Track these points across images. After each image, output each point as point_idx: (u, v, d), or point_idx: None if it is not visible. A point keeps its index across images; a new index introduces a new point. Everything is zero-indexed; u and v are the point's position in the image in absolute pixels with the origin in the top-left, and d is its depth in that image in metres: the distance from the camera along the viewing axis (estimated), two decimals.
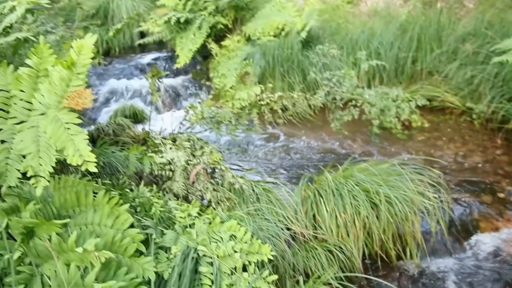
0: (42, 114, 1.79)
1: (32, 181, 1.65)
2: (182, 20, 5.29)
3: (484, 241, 2.93)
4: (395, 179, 2.80)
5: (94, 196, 1.95)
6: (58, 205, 1.89)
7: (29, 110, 1.81)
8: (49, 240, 1.65)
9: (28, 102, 1.82)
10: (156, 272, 1.85)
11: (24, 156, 1.70)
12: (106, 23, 6.78)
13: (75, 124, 1.72)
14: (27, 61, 1.85)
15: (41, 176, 1.66)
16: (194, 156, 2.79)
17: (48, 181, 1.69)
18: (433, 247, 2.88)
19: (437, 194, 2.85)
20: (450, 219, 2.97)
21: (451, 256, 2.87)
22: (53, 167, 1.69)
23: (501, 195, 3.28)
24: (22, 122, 1.80)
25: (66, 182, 2.01)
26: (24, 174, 1.69)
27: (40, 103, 1.80)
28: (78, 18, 6.01)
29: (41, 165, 1.68)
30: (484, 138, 3.98)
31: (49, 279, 1.63)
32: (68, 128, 1.72)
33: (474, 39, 4.27)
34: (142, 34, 6.47)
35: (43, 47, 1.88)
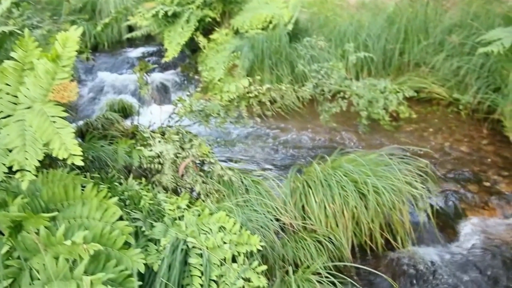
0: (28, 107, 1.79)
1: (17, 175, 1.65)
2: (170, 13, 5.27)
3: (471, 229, 2.97)
4: (383, 169, 2.82)
5: (83, 190, 1.95)
6: (46, 198, 1.89)
7: (15, 104, 1.80)
8: (38, 233, 1.65)
9: (14, 95, 1.81)
10: (145, 264, 1.86)
11: (10, 150, 1.69)
12: (94, 17, 6.72)
13: (61, 117, 1.72)
14: (12, 54, 1.84)
15: (27, 170, 1.65)
16: (183, 149, 2.79)
17: (36, 175, 1.69)
18: (421, 235, 2.91)
19: (424, 184, 2.88)
20: (437, 208, 3.01)
21: (439, 244, 2.90)
22: (41, 161, 1.69)
23: (487, 184, 3.33)
24: (8, 116, 1.79)
25: (54, 176, 2.01)
26: (10, 168, 1.68)
27: (25, 96, 1.80)
28: (64, 12, 5.93)
29: (27, 159, 1.67)
30: (470, 129, 4.03)
31: (38, 272, 1.63)
32: (54, 122, 1.72)
33: (460, 31, 4.30)
34: (131, 28, 6.43)
35: (28, 40, 1.87)
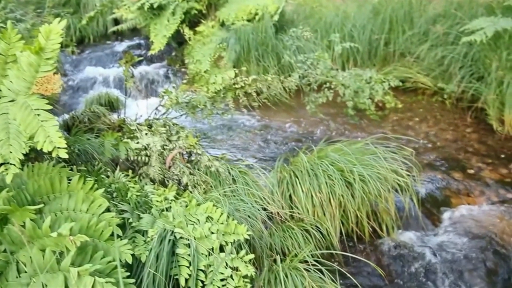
0: (12, 100, 1.78)
1: (1, 168, 1.64)
2: (155, 6, 5.24)
3: (455, 216, 3.02)
4: (368, 158, 2.85)
5: (69, 183, 1.95)
6: (32, 192, 1.88)
7: None
8: (24, 226, 1.65)
9: None
10: (133, 255, 1.87)
11: None
12: (79, 11, 6.66)
13: (45, 110, 1.72)
14: None
15: (11, 164, 1.65)
16: (170, 141, 2.79)
17: (21, 168, 1.68)
18: (407, 223, 2.95)
19: (410, 172, 2.92)
20: (422, 196, 3.05)
21: (424, 232, 2.94)
22: (26, 155, 1.69)
23: (471, 171, 3.38)
24: None
25: (40, 169, 2.00)
26: None
27: (9, 89, 1.79)
28: (48, 5, 5.87)
29: (11, 152, 1.67)
30: (455, 117, 4.09)
31: (25, 265, 1.63)
32: (38, 115, 1.71)
33: (444, 20, 4.35)
34: (116, 21, 6.38)
35: (11, 33, 1.86)
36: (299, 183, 2.74)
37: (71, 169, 2.17)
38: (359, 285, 2.32)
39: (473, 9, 4.23)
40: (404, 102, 4.27)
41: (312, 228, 2.65)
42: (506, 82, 3.64)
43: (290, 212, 2.71)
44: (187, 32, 5.20)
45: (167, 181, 2.64)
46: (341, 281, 2.34)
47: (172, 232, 2.03)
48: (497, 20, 3.52)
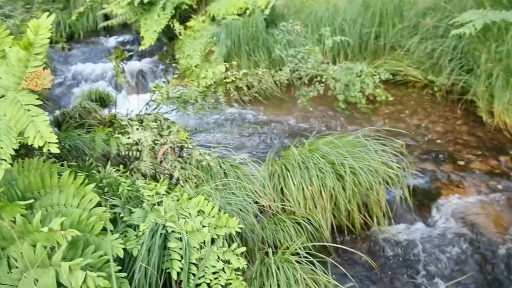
0: (1, 96, 1.77)
1: None
2: (145, 1, 5.23)
3: (445, 208, 3.04)
4: (359, 150, 2.86)
5: (60, 178, 1.95)
6: (23, 187, 1.88)
7: None
8: (14, 222, 1.65)
9: None
10: (125, 249, 1.88)
11: None
12: (68, 6, 6.62)
13: (35, 105, 1.72)
14: None
15: (2, 159, 1.65)
16: (161, 135, 2.79)
17: (11, 164, 1.68)
18: (398, 214, 2.98)
19: (400, 164, 2.94)
20: (413, 188, 3.07)
21: (415, 223, 2.97)
22: (16, 151, 1.68)
23: (461, 163, 3.41)
24: None
25: (30, 165, 2.00)
26: None
27: None
28: (37, 0, 5.83)
29: (2, 148, 1.67)
30: (445, 110, 4.11)
31: (16, 260, 1.64)
32: (28, 110, 1.71)
33: (434, 13, 4.36)
34: (106, 17, 6.35)
35: (0, 28, 1.85)
36: (291, 176, 2.75)
37: (62, 165, 2.17)
38: (350, 276, 2.34)
39: (463, 2, 4.24)
40: (395, 95, 4.29)
41: (303, 220, 2.66)
42: (495, 74, 3.66)
43: (282, 205, 2.72)
44: (177, 27, 5.19)
45: (159, 175, 2.65)
46: (333, 274, 2.35)
47: (164, 226, 2.04)
48: (486, 13, 3.53)
